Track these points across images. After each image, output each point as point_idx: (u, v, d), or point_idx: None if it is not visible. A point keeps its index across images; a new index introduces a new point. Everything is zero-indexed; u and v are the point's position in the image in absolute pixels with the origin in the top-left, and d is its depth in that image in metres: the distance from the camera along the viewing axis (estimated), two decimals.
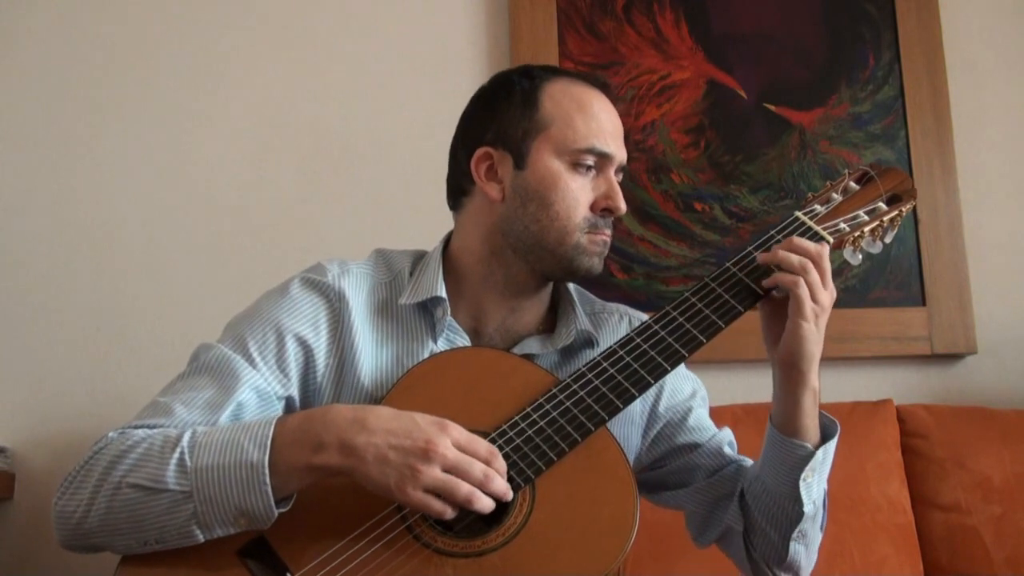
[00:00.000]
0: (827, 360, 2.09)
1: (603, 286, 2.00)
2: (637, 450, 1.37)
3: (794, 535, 1.26)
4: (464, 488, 1.03)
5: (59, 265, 2.08)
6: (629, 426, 1.34)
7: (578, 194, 1.25)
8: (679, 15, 2.28)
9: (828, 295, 1.19)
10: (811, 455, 1.21)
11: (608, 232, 1.28)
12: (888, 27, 2.30)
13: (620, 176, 1.31)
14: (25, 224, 2.10)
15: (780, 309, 1.20)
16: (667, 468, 1.38)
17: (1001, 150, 2.30)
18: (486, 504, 1.05)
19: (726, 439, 1.39)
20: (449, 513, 1.04)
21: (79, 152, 2.14)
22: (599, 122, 1.26)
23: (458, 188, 1.34)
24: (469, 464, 1.04)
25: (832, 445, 1.24)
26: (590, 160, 1.25)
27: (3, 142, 2.13)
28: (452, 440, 1.04)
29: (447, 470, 1.03)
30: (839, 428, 1.26)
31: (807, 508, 1.23)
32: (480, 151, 1.28)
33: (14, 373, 2.03)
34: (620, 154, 1.29)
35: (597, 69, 2.24)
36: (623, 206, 1.27)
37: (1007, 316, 2.21)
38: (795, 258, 1.19)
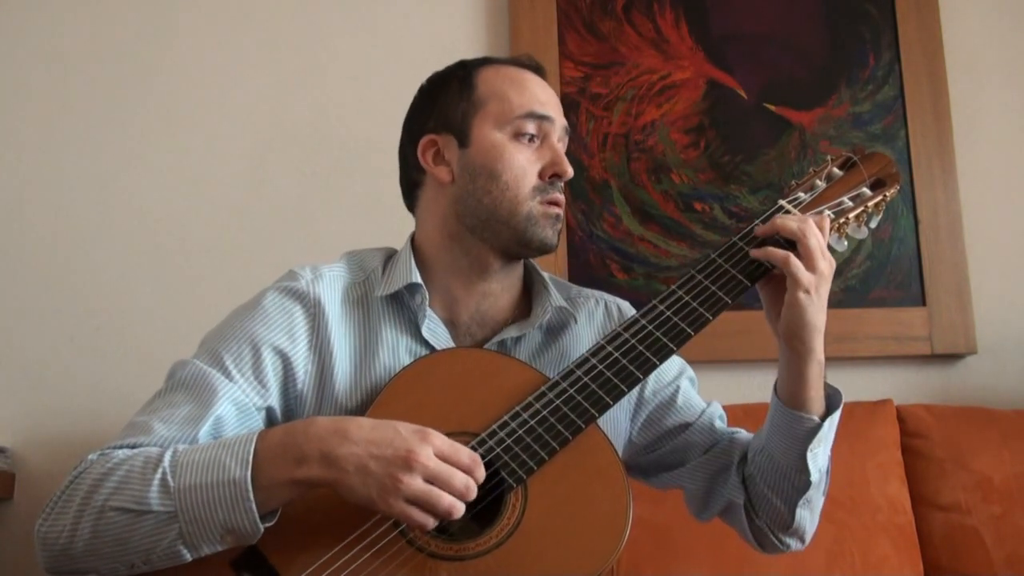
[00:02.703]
0: (827, 360, 2.11)
1: (603, 286, 2.00)
2: (627, 434, 1.37)
3: (800, 503, 1.27)
4: (445, 500, 1.02)
5: (59, 265, 2.09)
6: (617, 410, 1.31)
7: (525, 164, 1.27)
8: (679, 15, 2.28)
9: (827, 262, 1.19)
10: (818, 427, 1.22)
11: (560, 197, 1.29)
12: (888, 27, 2.30)
13: (566, 141, 1.32)
14: (25, 224, 2.10)
15: (779, 284, 1.21)
16: (661, 451, 1.39)
17: (1001, 150, 2.29)
18: (461, 510, 1.04)
19: (716, 413, 1.40)
20: (431, 524, 1.03)
21: (79, 152, 2.14)
22: (532, 92, 1.29)
23: (410, 183, 1.36)
24: (450, 475, 1.03)
25: (837, 415, 1.25)
26: (531, 127, 1.27)
27: (3, 142, 2.14)
28: (434, 449, 1.03)
29: (428, 480, 1.02)
30: (843, 397, 1.26)
31: (814, 477, 1.24)
32: (425, 139, 1.31)
33: (14, 373, 2.03)
34: (560, 119, 1.30)
35: (597, 69, 2.24)
36: (569, 170, 1.28)
37: (1007, 316, 2.21)
38: (793, 223, 1.20)
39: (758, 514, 1.32)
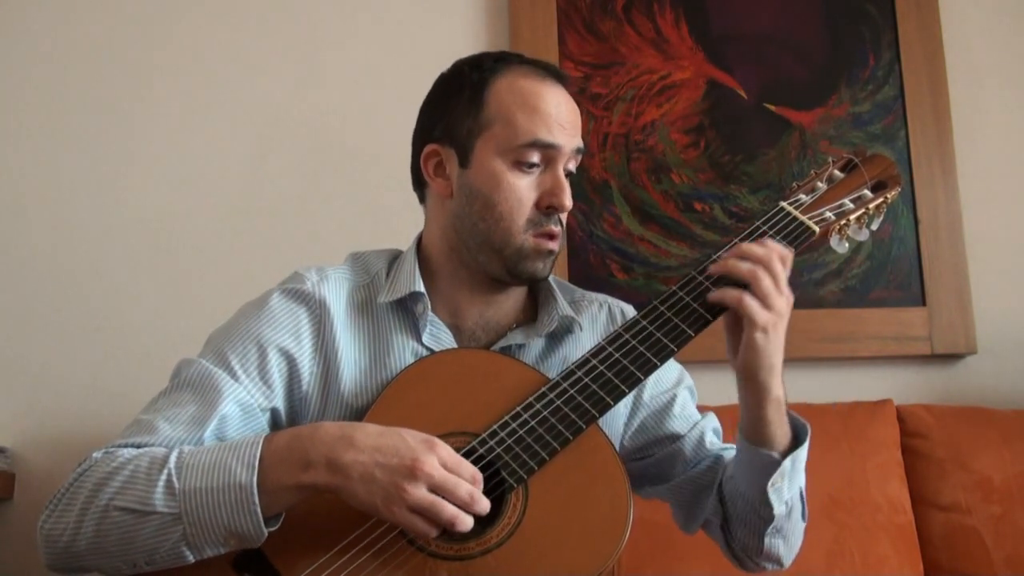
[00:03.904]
0: (827, 360, 2.14)
1: (603, 286, 2.00)
2: (619, 437, 1.36)
3: (768, 532, 1.25)
4: (449, 510, 1.02)
5: (59, 265, 2.08)
6: (611, 413, 1.30)
7: (522, 193, 1.24)
8: (679, 15, 2.28)
9: (784, 300, 1.16)
10: (778, 464, 1.19)
11: (556, 229, 1.26)
12: (888, 27, 2.30)
13: (578, 159, 1.29)
14: (25, 224, 2.10)
15: (738, 319, 1.17)
16: (648, 460, 1.37)
17: (1001, 150, 2.29)
18: (469, 524, 1.03)
19: (709, 426, 1.38)
20: (433, 534, 1.03)
21: (79, 152, 2.14)
22: (543, 114, 1.23)
23: (418, 180, 1.35)
24: (455, 485, 1.02)
25: (802, 451, 1.22)
26: (534, 156, 1.24)
27: (3, 142, 2.13)
28: (439, 459, 1.03)
29: (433, 489, 1.02)
30: (810, 431, 1.23)
31: (777, 510, 1.22)
32: (428, 148, 1.29)
33: (14, 373, 2.03)
34: (569, 143, 1.25)
35: (597, 69, 2.24)
36: (567, 203, 1.25)
37: (1007, 316, 2.21)
38: (744, 266, 1.16)
39: (732, 538, 1.31)
